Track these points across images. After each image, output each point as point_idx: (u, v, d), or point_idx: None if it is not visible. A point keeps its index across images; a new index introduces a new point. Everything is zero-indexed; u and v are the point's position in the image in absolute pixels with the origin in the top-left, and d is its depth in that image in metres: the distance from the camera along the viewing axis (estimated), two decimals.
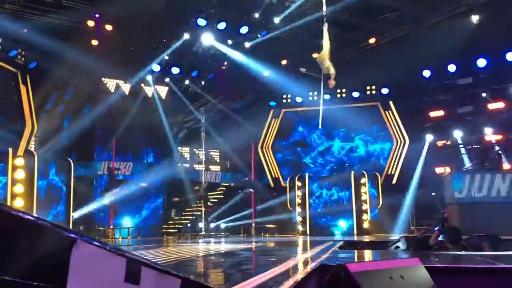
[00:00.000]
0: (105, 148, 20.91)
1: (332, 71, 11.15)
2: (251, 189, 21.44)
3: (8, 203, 13.11)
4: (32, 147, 17.75)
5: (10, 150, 13.95)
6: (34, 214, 1.03)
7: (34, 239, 1.01)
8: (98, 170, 19.86)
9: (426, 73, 20.45)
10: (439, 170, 19.37)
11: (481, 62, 19.22)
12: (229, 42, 20.54)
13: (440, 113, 20.56)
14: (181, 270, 5.92)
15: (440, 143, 20.12)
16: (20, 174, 13.51)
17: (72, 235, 1.06)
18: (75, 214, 16.34)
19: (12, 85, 17.13)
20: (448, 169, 18.23)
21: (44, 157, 15.92)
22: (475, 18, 17.65)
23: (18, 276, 0.95)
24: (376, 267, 4.64)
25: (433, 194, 18.91)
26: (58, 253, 1.03)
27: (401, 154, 21.27)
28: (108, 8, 17.62)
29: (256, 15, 18.84)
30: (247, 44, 20.48)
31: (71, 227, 15.45)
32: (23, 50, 17.40)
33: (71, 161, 16.12)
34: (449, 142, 19.60)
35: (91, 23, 18.10)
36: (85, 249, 1.07)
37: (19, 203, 13.32)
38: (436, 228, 10.45)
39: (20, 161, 13.64)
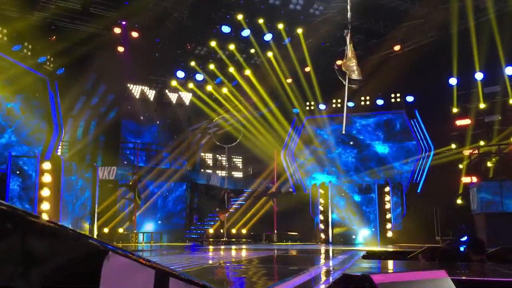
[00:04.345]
0: (129, 153, 21.18)
1: (357, 76, 11.08)
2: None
3: (36, 207, 13.39)
4: (59, 152, 18.08)
5: (38, 154, 14.25)
6: (68, 226, 1.05)
7: (65, 251, 1.02)
8: (122, 175, 20.06)
9: (453, 81, 20.12)
10: (465, 179, 19.00)
11: (510, 70, 18.80)
12: (252, 51, 20.66)
13: (466, 121, 20.19)
14: (203, 277, 5.93)
15: (466, 152, 19.74)
16: (47, 178, 13.76)
17: (103, 247, 1.07)
18: (99, 218, 16.55)
19: (41, 91, 17.50)
20: (475, 179, 17.88)
21: (70, 161, 16.19)
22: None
23: None
24: (401, 279, 4.55)
25: (459, 203, 18.56)
26: (89, 265, 1.04)
27: (426, 162, 20.96)
28: (134, 15, 17.91)
29: (280, 25, 18.90)
30: (270, 52, 20.59)
31: (95, 231, 15.67)
32: (51, 56, 17.78)
33: (96, 166, 16.36)
34: (476, 151, 19.21)
35: (117, 30, 18.41)
36: (116, 261, 1.08)
37: (45, 207, 13.57)
38: (462, 239, 10.24)
39: (47, 166, 13.90)
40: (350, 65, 11.01)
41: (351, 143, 22.44)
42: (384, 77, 19.51)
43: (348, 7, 11.93)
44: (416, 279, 4.57)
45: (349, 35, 11.29)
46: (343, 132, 13.68)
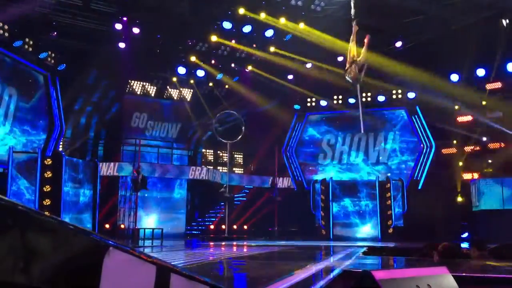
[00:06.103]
0: (130, 149, 21.18)
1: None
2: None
3: (37, 202, 13.42)
4: (60, 148, 18.10)
5: (39, 150, 14.28)
6: (68, 221, 1.04)
7: (66, 246, 1.02)
8: (124, 171, 20.07)
9: (454, 77, 20.06)
10: (466, 176, 18.99)
11: (511, 67, 18.75)
12: (254, 46, 20.62)
13: (468, 118, 20.15)
14: (205, 273, 5.94)
15: (468, 148, 19.72)
16: (49, 175, 13.80)
17: (104, 242, 1.07)
18: (100, 214, 16.57)
19: (42, 87, 17.50)
20: (476, 175, 17.87)
21: (71, 157, 16.20)
22: (504, 22, 17.26)
23: (49, 284, 0.96)
24: (402, 275, 4.54)
25: (460, 200, 18.56)
26: (90, 261, 1.04)
27: (427, 159, 20.93)
28: (135, 11, 17.87)
29: (282, 19, 18.83)
30: (272, 48, 20.52)
31: (96, 227, 15.69)
32: (52, 52, 17.76)
33: (97, 162, 16.38)
34: (477, 148, 19.19)
35: (118, 26, 18.36)
36: (117, 256, 1.07)
37: (47, 203, 13.61)
38: (463, 235, 10.25)
39: (48, 162, 13.93)
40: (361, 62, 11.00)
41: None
42: (386, 74, 19.46)
43: (352, 4, 11.91)
44: (417, 276, 4.57)
45: (354, 31, 11.27)
46: (362, 131, 13.69)
